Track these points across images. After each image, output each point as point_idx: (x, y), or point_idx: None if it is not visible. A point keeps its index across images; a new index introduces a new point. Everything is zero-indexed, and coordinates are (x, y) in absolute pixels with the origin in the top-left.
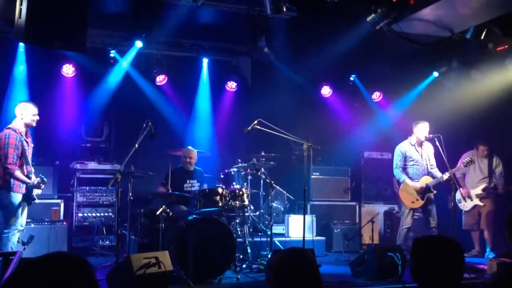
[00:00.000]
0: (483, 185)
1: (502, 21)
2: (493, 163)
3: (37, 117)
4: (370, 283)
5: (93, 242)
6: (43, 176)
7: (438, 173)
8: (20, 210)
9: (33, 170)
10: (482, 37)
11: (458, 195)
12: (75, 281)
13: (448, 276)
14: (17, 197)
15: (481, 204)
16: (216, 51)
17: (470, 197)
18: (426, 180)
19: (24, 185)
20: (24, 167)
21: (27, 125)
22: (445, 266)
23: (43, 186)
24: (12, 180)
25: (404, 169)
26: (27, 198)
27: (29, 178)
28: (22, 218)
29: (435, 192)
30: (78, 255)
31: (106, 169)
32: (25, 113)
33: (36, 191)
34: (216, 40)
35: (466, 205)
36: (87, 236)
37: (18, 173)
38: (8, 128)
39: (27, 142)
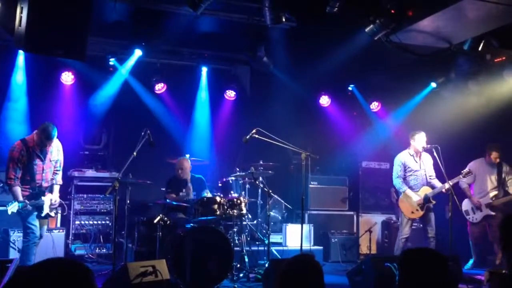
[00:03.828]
0: (493, 193)
1: (499, 33)
2: (503, 171)
3: (45, 146)
4: None
5: (90, 250)
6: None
7: (438, 184)
8: (34, 221)
9: (42, 184)
10: (480, 49)
11: (466, 206)
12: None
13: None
14: (27, 209)
15: (492, 213)
16: (215, 60)
17: (480, 208)
18: (425, 191)
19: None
20: (28, 182)
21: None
22: (429, 279)
23: (48, 202)
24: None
25: (404, 179)
26: (40, 216)
27: (34, 192)
28: (41, 229)
29: (434, 202)
30: (77, 261)
31: (104, 177)
32: (39, 133)
33: (47, 206)
34: (215, 49)
35: (475, 217)
36: (84, 243)
37: (15, 189)
38: (23, 138)
39: (39, 157)
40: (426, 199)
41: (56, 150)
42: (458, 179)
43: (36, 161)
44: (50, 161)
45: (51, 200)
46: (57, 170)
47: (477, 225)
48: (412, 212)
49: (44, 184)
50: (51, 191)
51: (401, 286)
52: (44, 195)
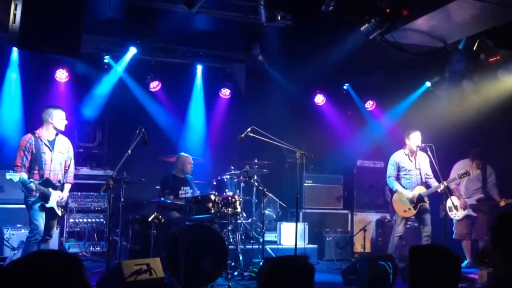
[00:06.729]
0: (478, 196)
1: (494, 32)
2: (487, 174)
3: (66, 122)
4: None
5: (84, 248)
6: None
7: (435, 183)
8: (39, 218)
9: (50, 175)
10: (474, 48)
11: (449, 203)
12: (62, 279)
13: (444, 286)
14: (33, 202)
15: (474, 214)
16: (210, 58)
17: (464, 208)
18: (419, 190)
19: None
20: (36, 171)
21: (56, 129)
22: (442, 276)
23: (56, 198)
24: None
25: (398, 179)
26: (45, 207)
27: (42, 181)
28: (48, 227)
29: (428, 202)
30: (68, 252)
31: (99, 174)
32: (54, 118)
33: (53, 200)
34: (210, 47)
35: (457, 214)
36: (78, 241)
37: (21, 175)
38: (31, 132)
39: (48, 146)
40: (420, 198)
41: (65, 145)
42: (454, 180)
43: (44, 150)
44: (59, 153)
45: (59, 196)
46: (67, 168)
47: (460, 222)
48: (405, 211)
49: (53, 176)
50: (62, 190)
51: (411, 283)
52: (52, 186)
